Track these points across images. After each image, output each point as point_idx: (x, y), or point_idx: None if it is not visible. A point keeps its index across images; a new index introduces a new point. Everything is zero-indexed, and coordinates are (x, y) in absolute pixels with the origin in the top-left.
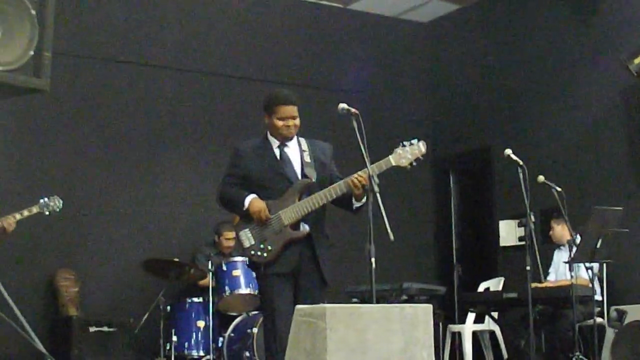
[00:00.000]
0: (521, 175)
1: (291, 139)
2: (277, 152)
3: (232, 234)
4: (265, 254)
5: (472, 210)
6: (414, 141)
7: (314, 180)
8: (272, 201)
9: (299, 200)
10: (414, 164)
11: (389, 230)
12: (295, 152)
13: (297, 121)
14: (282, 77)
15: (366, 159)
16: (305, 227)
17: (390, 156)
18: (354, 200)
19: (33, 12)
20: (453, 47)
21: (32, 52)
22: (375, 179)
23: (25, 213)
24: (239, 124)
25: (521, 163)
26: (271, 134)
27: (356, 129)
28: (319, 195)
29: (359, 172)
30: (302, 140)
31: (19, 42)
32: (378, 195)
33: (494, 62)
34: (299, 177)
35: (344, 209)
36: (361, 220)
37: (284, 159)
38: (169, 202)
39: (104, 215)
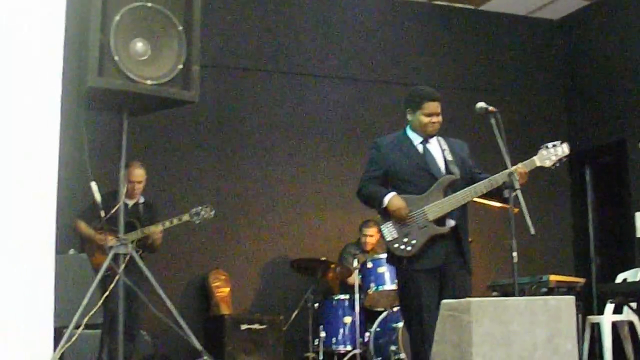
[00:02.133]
0: None
1: (433, 135)
2: (419, 147)
3: (370, 231)
4: (409, 248)
5: (608, 203)
6: (557, 143)
7: (458, 177)
8: (417, 196)
9: (444, 196)
10: (557, 165)
11: (529, 225)
12: (437, 149)
13: (440, 118)
14: (416, 79)
15: (505, 156)
16: (450, 222)
17: (534, 157)
18: (522, 202)
19: (180, 27)
20: (584, 43)
21: (181, 66)
22: (516, 175)
23: (175, 221)
24: (378, 125)
25: None
26: (413, 130)
27: (495, 127)
28: (464, 192)
29: (519, 165)
30: (441, 139)
31: (168, 56)
32: (519, 191)
33: (626, 55)
34: (443, 173)
35: (492, 200)
36: (502, 215)
37: (427, 155)
38: (315, 203)
39: (253, 219)
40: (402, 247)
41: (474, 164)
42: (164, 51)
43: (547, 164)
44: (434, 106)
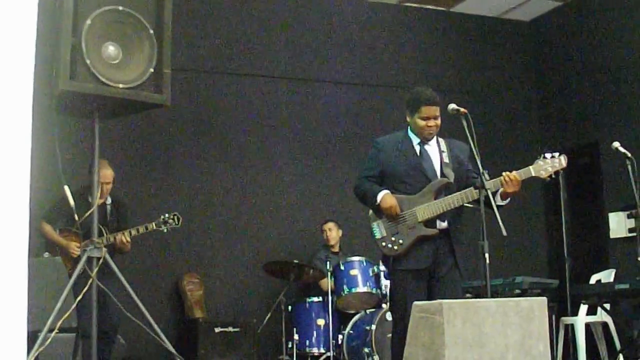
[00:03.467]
0: (630, 168)
1: (430, 140)
2: (417, 148)
3: (328, 225)
4: (395, 247)
5: (581, 204)
6: (556, 154)
7: (451, 180)
8: (409, 196)
9: (435, 198)
10: (553, 176)
11: (501, 226)
12: (435, 151)
13: (439, 121)
14: (387, 81)
15: (476, 156)
16: (441, 225)
17: (530, 166)
18: (498, 198)
19: (151, 31)
20: (556, 44)
21: (152, 70)
22: (486, 176)
23: (141, 230)
24: (353, 131)
25: (629, 155)
26: (412, 131)
27: (466, 128)
28: (454, 197)
29: (514, 173)
30: (441, 141)
31: (139, 60)
32: (489, 192)
33: (598, 56)
34: (438, 175)
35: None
36: (474, 217)
37: (424, 156)
38: (287, 207)
39: (226, 222)
40: (390, 245)
41: (471, 167)
42: (136, 54)
43: (543, 174)
44: (431, 110)
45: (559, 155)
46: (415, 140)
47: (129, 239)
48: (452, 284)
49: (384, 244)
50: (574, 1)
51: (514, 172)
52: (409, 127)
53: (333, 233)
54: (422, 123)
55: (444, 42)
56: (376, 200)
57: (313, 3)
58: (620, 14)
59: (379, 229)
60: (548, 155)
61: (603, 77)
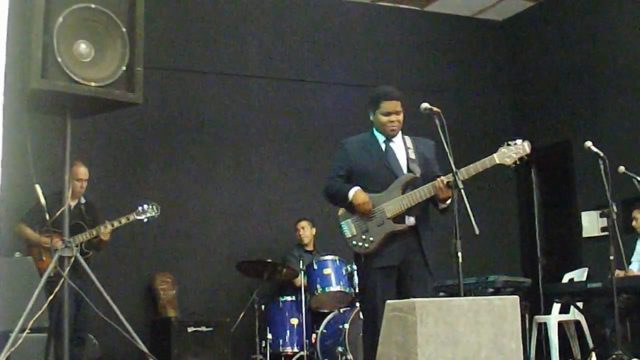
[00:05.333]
0: (602, 167)
1: (396, 135)
2: (383, 146)
3: (301, 224)
4: (367, 245)
5: (554, 203)
6: (519, 141)
7: (418, 175)
8: (376, 194)
9: (403, 194)
10: (518, 162)
11: (474, 225)
12: (401, 148)
13: (401, 117)
14: (361, 80)
15: (449, 155)
16: (410, 220)
17: (494, 154)
18: (466, 201)
19: (124, 29)
20: (529, 43)
21: (124, 68)
22: (459, 175)
23: (123, 221)
24: (326, 127)
25: (602, 154)
26: (377, 130)
27: (439, 127)
28: (418, 191)
29: (444, 177)
30: (407, 138)
31: (111, 58)
32: (462, 191)
33: (570, 56)
34: (404, 171)
35: (435, 208)
36: (447, 215)
37: (390, 153)
38: (260, 206)
39: (199, 221)
40: (360, 243)
41: (438, 165)
42: (108, 53)
43: (507, 161)
44: (392, 105)
45: (523, 141)
46: (381, 139)
47: (111, 229)
48: (422, 282)
49: (354, 242)
50: (546, 1)
51: (471, 165)
52: (374, 128)
53: (307, 232)
54: (384, 119)
55: (417, 41)
56: (348, 198)
57: (285, 2)
58: (592, 14)
59: (348, 228)
60: (511, 142)
61: (575, 77)
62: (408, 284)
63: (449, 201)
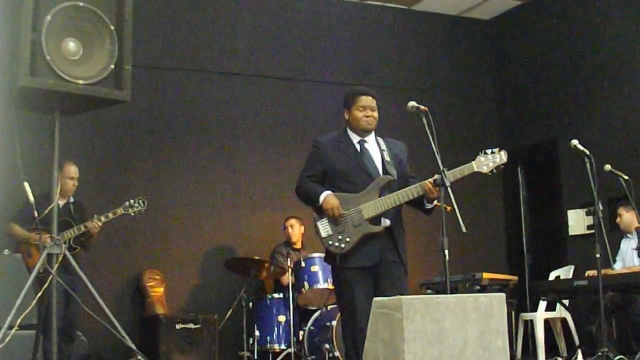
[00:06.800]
0: (588, 165)
1: (370, 132)
2: (357, 146)
3: (290, 222)
4: (343, 245)
5: (540, 201)
6: (496, 150)
7: (395, 178)
8: (354, 195)
9: (380, 196)
10: (494, 171)
11: (461, 223)
12: (375, 149)
13: (376, 114)
14: (348, 79)
15: (436, 154)
16: (386, 222)
17: (472, 162)
18: (425, 201)
19: (112, 27)
20: (516, 42)
21: (112, 66)
22: (446, 173)
23: (110, 215)
24: (314, 125)
25: (588, 153)
26: (351, 129)
27: (426, 126)
28: (399, 193)
29: (456, 169)
30: (380, 139)
31: (100, 56)
32: (449, 189)
33: (556, 55)
34: (380, 173)
35: (416, 208)
36: (434, 213)
37: (365, 154)
38: (248, 203)
39: (187, 219)
40: (336, 244)
41: (409, 167)
42: (96, 51)
43: (484, 169)
44: (368, 100)
45: (499, 150)
46: (355, 139)
47: (100, 224)
48: (398, 280)
49: (330, 242)
50: (533, 1)
51: (452, 170)
52: (347, 128)
53: (295, 230)
54: (359, 114)
55: (404, 39)
56: (318, 201)
57: (273, 0)
58: (577, 13)
59: (324, 228)
60: (489, 150)
61: (561, 75)
62: (384, 283)
63: (435, 202)
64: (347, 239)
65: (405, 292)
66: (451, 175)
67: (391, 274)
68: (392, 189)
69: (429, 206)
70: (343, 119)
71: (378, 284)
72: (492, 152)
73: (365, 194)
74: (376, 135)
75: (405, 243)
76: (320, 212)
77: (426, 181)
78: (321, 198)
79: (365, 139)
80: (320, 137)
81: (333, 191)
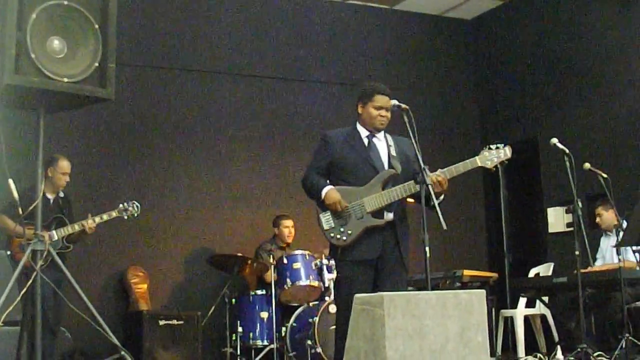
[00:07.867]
0: (567, 164)
1: (381, 130)
2: (365, 141)
3: (288, 222)
4: (344, 238)
5: (520, 199)
6: (501, 145)
7: (398, 172)
8: (357, 188)
9: (383, 189)
10: (498, 167)
11: (441, 220)
12: (383, 144)
13: (389, 114)
14: (329, 78)
15: (417, 152)
16: (388, 216)
17: (476, 157)
18: (433, 197)
19: (96, 26)
20: (497, 42)
21: (96, 64)
22: (427, 172)
23: (105, 217)
24: (297, 124)
25: (567, 151)
26: (362, 124)
27: (407, 124)
28: (400, 188)
29: (438, 172)
30: (389, 136)
31: (84, 54)
32: (430, 186)
33: (537, 54)
34: (385, 167)
35: (419, 203)
36: (415, 210)
37: (372, 148)
38: (232, 200)
39: (170, 215)
40: (338, 236)
41: (416, 166)
42: (81, 49)
43: (488, 164)
44: (384, 100)
45: (504, 146)
46: (364, 133)
47: (95, 224)
48: (398, 278)
49: (332, 234)
50: (514, 0)
51: (454, 166)
52: (357, 122)
53: (292, 231)
54: (375, 112)
55: (386, 39)
56: (321, 196)
57: None
58: (559, 13)
59: (326, 221)
60: (493, 146)
61: (542, 75)
62: (384, 281)
63: (442, 197)
64: (349, 232)
65: (402, 290)
66: (454, 169)
67: (391, 273)
68: (397, 183)
69: (435, 202)
70: (354, 111)
71: (378, 280)
72: (497, 147)
73: (368, 188)
74: (385, 132)
75: (408, 239)
76: (321, 207)
77: (430, 176)
78: (323, 193)
79: (375, 133)
80: (329, 131)
81: (338, 184)
